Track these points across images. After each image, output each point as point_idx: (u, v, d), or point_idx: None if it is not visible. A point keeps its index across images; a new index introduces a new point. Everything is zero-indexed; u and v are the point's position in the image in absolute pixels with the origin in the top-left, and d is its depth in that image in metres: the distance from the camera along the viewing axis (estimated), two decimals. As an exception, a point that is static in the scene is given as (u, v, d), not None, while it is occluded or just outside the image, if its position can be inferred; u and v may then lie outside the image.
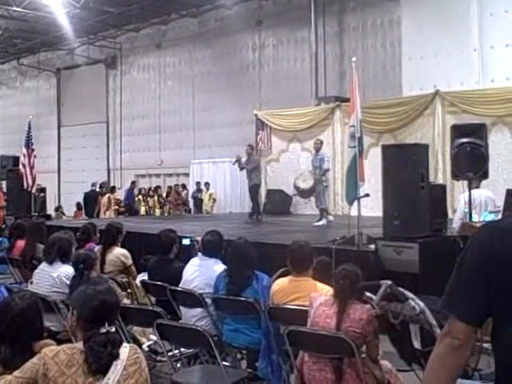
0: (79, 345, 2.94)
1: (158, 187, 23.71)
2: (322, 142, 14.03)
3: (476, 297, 2.21)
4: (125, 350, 2.95)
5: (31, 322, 3.46)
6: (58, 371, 2.82)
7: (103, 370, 2.84)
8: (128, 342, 3.28)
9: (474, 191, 8.59)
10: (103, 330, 2.93)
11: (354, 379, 4.11)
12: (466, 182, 9.22)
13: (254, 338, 5.37)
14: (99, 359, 2.84)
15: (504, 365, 2.21)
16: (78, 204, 22.13)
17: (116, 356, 2.89)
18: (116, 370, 2.86)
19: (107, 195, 20.93)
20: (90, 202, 21.11)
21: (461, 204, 9.10)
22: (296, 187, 14.15)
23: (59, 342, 5.22)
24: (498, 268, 2.16)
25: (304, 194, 14.40)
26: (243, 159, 15.10)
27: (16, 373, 2.88)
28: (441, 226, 8.66)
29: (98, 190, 22.05)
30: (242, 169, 15.23)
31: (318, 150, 13.80)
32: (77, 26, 23.65)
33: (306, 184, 13.66)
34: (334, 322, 4.21)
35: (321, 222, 13.45)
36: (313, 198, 14.41)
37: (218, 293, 5.71)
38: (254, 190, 15.28)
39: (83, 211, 21.45)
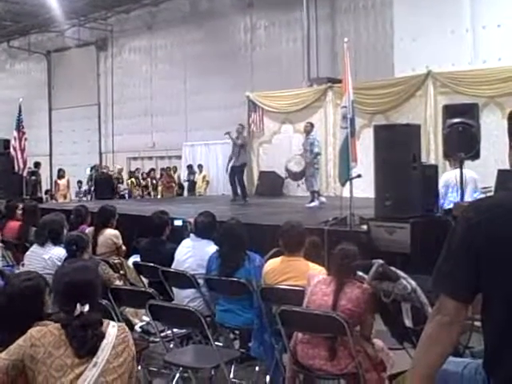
0: None
1: (152, 170, 23.67)
2: (312, 125, 13.86)
3: (465, 273, 2.22)
4: (113, 329, 2.93)
5: (30, 303, 3.33)
6: (45, 352, 2.80)
7: (91, 353, 2.82)
8: (119, 321, 3.27)
9: (456, 171, 8.60)
10: (77, 313, 2.87)
11: (346, 357, 4.15)
12: (447, 163, 9.25)
13: (246, 318, 5.39)
14: (83, 344, 2.82)
15: (493, 340, 2.22)
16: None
17: (101, 337, 2.86)
18: (105, 349, 2.84)
19: (66, 178, 20.87)
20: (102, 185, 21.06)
21: (439, 185, 9.11)
22: (287, 170, 14.10)
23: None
24: (486, 244, 2.18)
25: (295, 176, 14.35)
26: (233, 135, 14.91)
27: (2, 354, 2.85)
28: (433, 206, 8.68)
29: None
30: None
31: (308, 132, 13.63)
32: (67, 8, 23.43)
33: (297, 167, 13.60)
34: (331, 300, 4.25)
35: (313, 204, 13.45)
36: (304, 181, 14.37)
37: (211, 273, 5.72)
38: (241, 169, 14.98)
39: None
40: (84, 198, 21.06)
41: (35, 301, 3.39)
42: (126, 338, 2.94)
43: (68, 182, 20.84)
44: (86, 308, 2.89)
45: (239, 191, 15.15)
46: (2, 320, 3.31)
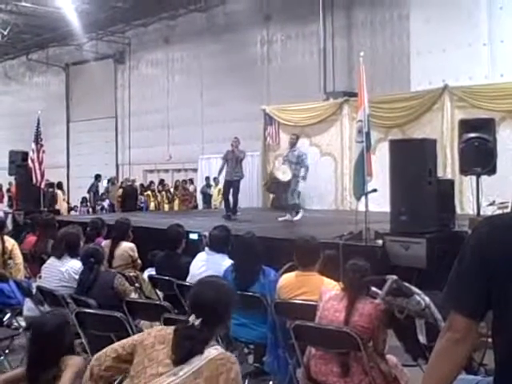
0: None
1: (162, 181, 23.74)
2: (297, 137, 13.68)
3: (475, 290, 2.21)
4: (214, 351, 2.90)
5: (61, 340, 3.58)
6: (151, 343, 2.93)
7: (180, 361, 2.86)
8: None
9: None
10: (190, 323, 2.94)
11: (360, 373, 4.13)
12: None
13: (260, 332, 5.40)
14: (181, 351, 2.88)
15: (503, 357, 2.22)
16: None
17: (195, 353, 2.87)
18: (193, 365, 2.84)
19: (58, 191, 20.79)
20: (130, 197, 21.36)
21: None
22: (273, 178, 13.85)
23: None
24: (497, 262, 2.17)
25: (279, 186, 13.87)
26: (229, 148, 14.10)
27: (119, 343, 3.06)
28: (449, 221, 8.63)
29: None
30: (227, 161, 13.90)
31: (292, 144, 13.35)
32: (85, 22, 23.68)
33: (284, 176, 13.19)
34: (343, 316, 4.23)
35: (284, 218, 13.27)
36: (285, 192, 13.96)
37: (225, 287, 5.72)
38: (239, 183, 14.04)
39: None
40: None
41: (67, 335, 3.66)
42: (223, 367, 2.85)
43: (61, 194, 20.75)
44: (197, 322, 2.92)
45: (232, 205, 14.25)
46: (36, 358, 3.52)
